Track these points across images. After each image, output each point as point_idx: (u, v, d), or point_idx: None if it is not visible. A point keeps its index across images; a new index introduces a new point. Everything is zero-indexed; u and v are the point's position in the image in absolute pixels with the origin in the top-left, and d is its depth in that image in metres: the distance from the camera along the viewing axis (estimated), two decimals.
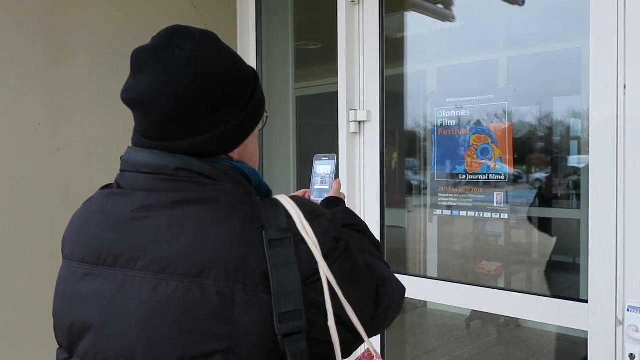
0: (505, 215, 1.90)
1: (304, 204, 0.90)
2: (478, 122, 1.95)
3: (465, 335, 4.41)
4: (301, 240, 0.84)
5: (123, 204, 0.88)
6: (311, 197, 1.30)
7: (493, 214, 1.91)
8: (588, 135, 1.63)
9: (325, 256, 0.85)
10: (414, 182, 2.38)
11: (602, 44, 1.59)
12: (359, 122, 2.24)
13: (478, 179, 1.94)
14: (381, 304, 0.95)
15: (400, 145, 2.49)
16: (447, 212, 2.02)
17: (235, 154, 0.95)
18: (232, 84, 0.91)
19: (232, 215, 0.84)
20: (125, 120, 2.12)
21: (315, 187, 1.31)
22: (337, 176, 1.30)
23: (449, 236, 2.43)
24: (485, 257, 2.31)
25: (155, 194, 0.86)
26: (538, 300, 1.77)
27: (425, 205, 2.31)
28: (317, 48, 4.55)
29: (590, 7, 1.61)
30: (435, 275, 2.46)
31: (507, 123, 1.89)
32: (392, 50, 2.47)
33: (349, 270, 0.89)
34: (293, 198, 0.91)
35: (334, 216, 0.94)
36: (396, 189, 2.45)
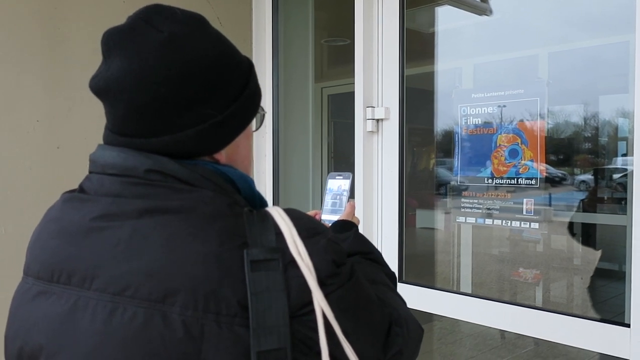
0: (535, 225, 1.70)
1: (299, 219, 0.74)
2: (506, 121, 1.76)
3: (499, 345, 4.20)
4: (292, 262, 0.68)
5: (82, 211, 0.74)
6: (321, 218, 1.16)
7: (522, 223, 1.72)
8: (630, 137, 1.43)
9: (321, 283, 0.68)
10: (435, 186, 2.20)
11: None
12: (377, 120, 2.07)
13: (505, 183, 1.74)
14: (392, 346, 0.78)
15: (424, 145, 2.31)
16: (471, 220, 1.83)
17: (222, 156, 0.79)
18: (218, 73, 0.76)
19: (209, 229, 0.69)
20: None
21: (327, 207, 1.17)
22: (351, 197, 1.15)
23: (465, 246, 2.25)
24: (522, 265, 2.11)
25: (121, 201, 0.72)
26: (575, 323, 1.56)
27: (447, 211, 2.13)
28: (346, 44, 4.41)
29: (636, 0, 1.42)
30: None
31: (538, 121, 1.69)
32: (422, 45, 2.31)
33: (352, 303, 0.73)
34: (287, 211, 0.75)
35: (337, 238, 0.78)
36: (414, 192, 2.27)
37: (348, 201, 1.14)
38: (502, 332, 4.05)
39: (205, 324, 0.65)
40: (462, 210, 1.87)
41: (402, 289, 1.95)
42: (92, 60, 2.11)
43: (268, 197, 2.61)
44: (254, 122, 0.85)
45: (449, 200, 2.06)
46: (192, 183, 0.73)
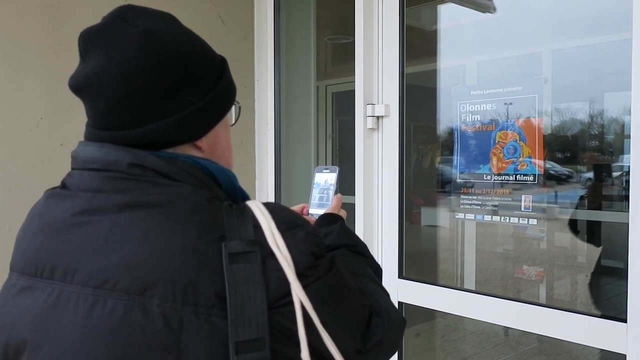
0: (533, 221, 1.70)
1: (278, 212, 0.75)
2: (504, 117, 1.76)
3: (503, 343, 4.19)
4: (270, 255, 0.70)
5: (63, 207, 0.76)
6: (309, 212, 1.17)
7: (520, 219, 1.72)
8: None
9: (299, 275, 0.70)
10: (435, 182, 2.21)
11: None
12: (377, 118, 2.08)
13: (504, 179, 1.75)
14: (372, 336, 0.79)
15: (424, 143, 2.32)
16: (470, 216, 1.84)
17: (204, 144, 0.82)
18: (196, 63, 0.79)
19: (187, 223, 0.70)
20: None
21: (314, 201, 1.19)
22: (337, 191, 1.16)
23: (458, 243, 2.25)
24: (525, 262, 2.12)
25: (102, 196, 0.74)
26: (574, 319, 1.57)
27: (446, 208, 2.13)
28: (350, 42, 4.41)
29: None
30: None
31: (537, 118, 1.69)
32: (422, 43, 2.31)
33: (331, 294, 0.74)
34: (266, 204, 0.77)
35: (316, 230, 0.79)
36: (413, 190, 2.28)
37: (335, 195, 1.15)
38: (506, 329, 4.04)
39: (184, 315, 0.66)
40: (462, 207, 1.88)
41: (405, 286, 1.98)
42: None
43: (270, 194, 2.63)
44: (232, 115, 0.88)
45: (448, 197, 2.06)
46: (172, 177, 0.75)
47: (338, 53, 4.36)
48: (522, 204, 1.71)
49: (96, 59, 0.75)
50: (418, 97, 2.22)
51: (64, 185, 0.79)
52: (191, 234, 0.69)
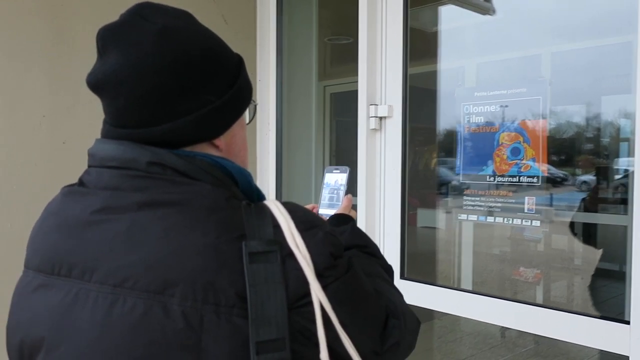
0: (537, 223, 1.71)
1: (296, 212, 0.75)
2: (508, 119, 1.77)
3: (499, 344, 4.20)
4: (290, 255, 0.70)
5: (81, 204, 0.75)
6: (319, 212, 1.16)
7: (523, 220, 1.73)
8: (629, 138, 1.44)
9: (319, 275, 0.70)
10: (437, 183, 2.21)
11: None
12: (380, 118, 2.09)
13: (507, 181, 1.75)
14: (389, 338, 0.79)
15: (427, 144, 2.32)
16: (473, 217, 1.84)
17: (221, 143, 0.82)
18: (214, 61, 0.79)
19: (206, 222, 0.70)
20: None
21: (324, 201, 1.18)
22: (348, 191, 1.16)
23: (468, 244, 2.25)
24: (523, 264, 2.12)
25: (120, 194, 0.74)
26: (577, 320, 1.58)
27: (449, 209, 2.14)
28: (349, 42, 4.40)
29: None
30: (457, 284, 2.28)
31: (540, 120, 1.70)
32: (425, 44, 2.31)
33: (349, 295, 0.74)
34: (284, 204, 0.77)
35: (334, 230, 0.79)
36: (416, 190, 2.28)
37: (345, 195, 1.15)
38: (503, 330, 4.05)
39: (204, 315, 0.66)
40: (464, 208, 1.88)
41: (405, 286, 1.98)
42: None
43: (271, 193, 2.63)
44: (247, 114, 0.88)
45: (450, 198, 2.07)
46: (190, 175, 0.74)
47: (337, 54, 4.36)
48: (526, 205, 1.71)
49: (114, 57, 0.75)
50: (421, 98, 2.22)
51: (81, 183, 0.79)
52: (211, 233, 0.69)
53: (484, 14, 2.38)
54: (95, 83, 0.77)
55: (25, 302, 0.77)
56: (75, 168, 1.99)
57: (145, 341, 0.66)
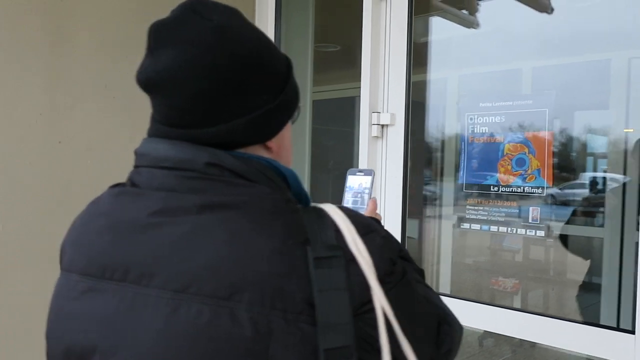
0: (541, 233, 1.73)
1: (355, 216, 0.74)
2: (514, 130, 1.79)
3: (477, 353, 4.24)
4: (352, 260, 0.68)
5: (136, 205, 0.72)
6: None
7: (528, 230, 1.75)
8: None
9: (380, 281, 0.68)
10: (438, 193, 2.23)
11: None
12: (382, 126, 2.09)
13: (512, 191, 1.77)
14: (443, 344, 0.78)
15: (424, 153, 2.34)
16: (476, 227, 1.86)
17: (274, 145, 0.79)
18: (268, 61, 0.76)
19: (271, 226, 0.68)
20: (134, 115, 2.01)
21: (347, 205, 1.14)
22: (372, 194, 1.14)
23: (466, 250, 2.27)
24: (502, 274, 2.15)
25: (177, 195, 0.70)
26: (581, 330, 1.60)
27: (449, 218, 2.15)
28: (336, 51, 4.40)
29: None
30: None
31: (546, 132, 1.72)
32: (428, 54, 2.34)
33: (407, 301, 0.73)
34: (341, 208, 0.75)
35: (390, 235, 0.78)
36: (418, 199, 2.29)
37: (370, 198, 1.14)
38: (481, 340, 4.09)
39: (272, 321, 0.63)
40: (467, 217, 1.89)
41: None
42: (96, 55, 2.07)
43: None
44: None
45: (454, 207, 2.08)
46: (248, 178, 0.72)
47: (321, 61, 4.37)
48: (530, 215, 1.73)
49: (169, 54, 0.72)
50: (424, 107, 2.24)
51: (133, 183, 0.75)
52: (277, 237, 0.67)
53: (468, 27, 2.43)
54: (148, 81, 0.74)
55: (69, 308, 0.73)
56: (71, 169, 1.94)
57: (211, 349, 0.63)
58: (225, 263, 0.65)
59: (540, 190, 1.72)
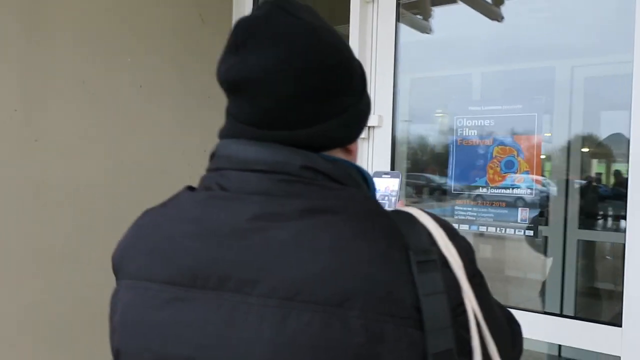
0: (530, 232, 1.81)
1: (440, 220, 0.74)
2: (503, 133, 1.86)
3: None
4: (445, 263, 0.68)
5: (231, 210, 0.68)
6: None
7: (516, 230, 1.82)
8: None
9: (470, 283, 0.69)
10: (428, 193, 2.27)
11: None
12: (369, 127, 2.10)
13: (501, 192, 1.84)
14: (517, 345, 0.80)
15: (419, 154, 2.38)
16: (465, 227, 1.91)
17: (354, 147, 0.79)
18: (351, 63, 0.76)
19: (373, 230, 0.67)
20: (113, 112, 1.91)
21: None
22: (399, 197, 1.15)
23: None
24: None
25: (276, 199, 0.68)
26: (570, 324, 1.68)
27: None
28: None
29: (635, 21, 1.56)
30: None
31: (535, 136, 1.80)
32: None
33: (487, 302, 0.74)
34: (427, 212, 0.75)
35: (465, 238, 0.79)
36: (406, 200, 2.32)
37: (398, 201, 1.14)
38: None
39: (384, 327, 0.63)
40: (456, 217, 1.95)
41: None
42: (74, 49, 1.95)
43: None
44: None
45: (442, 208, 2.13)
46: (340, 181, 0.71)
47: None
48: (519, 216, 1.80)
49: (259, 53, 0.69)
50: (413, 109, 2.27)
51: (221, 187, 0.72)
52: (380, 241, 0.66)
53: (422, 32, 2.50)
54: (235, 81, 0.71)
55: (153, 318, 0.68)
56: (46, 168, 1.81)
57: (325, 357, 0.61)
58: (333, 269, 0.64)
59: (528, 192, 1.80)
